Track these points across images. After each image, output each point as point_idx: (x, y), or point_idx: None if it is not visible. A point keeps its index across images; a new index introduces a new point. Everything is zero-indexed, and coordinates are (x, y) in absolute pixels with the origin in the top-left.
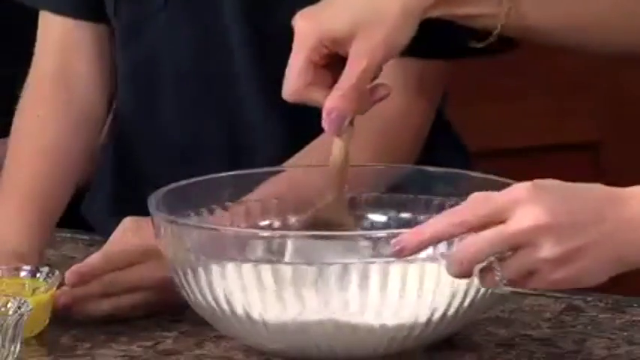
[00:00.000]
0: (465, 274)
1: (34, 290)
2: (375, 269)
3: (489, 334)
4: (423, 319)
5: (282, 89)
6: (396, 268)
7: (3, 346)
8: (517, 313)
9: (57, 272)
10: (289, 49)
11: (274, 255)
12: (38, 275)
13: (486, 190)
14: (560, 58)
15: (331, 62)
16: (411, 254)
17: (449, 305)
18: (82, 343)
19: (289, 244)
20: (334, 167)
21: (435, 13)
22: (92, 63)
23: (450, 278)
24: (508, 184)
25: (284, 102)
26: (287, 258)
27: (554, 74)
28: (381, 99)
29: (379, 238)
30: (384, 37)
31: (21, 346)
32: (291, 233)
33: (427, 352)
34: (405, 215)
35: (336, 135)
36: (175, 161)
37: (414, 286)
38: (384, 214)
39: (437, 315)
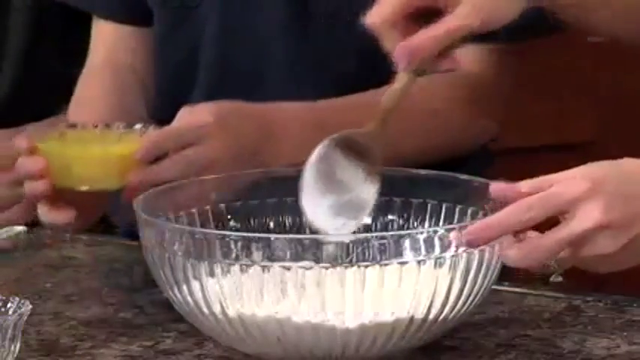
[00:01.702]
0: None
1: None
2: (351, 272)
3: (489, 335)
4: (405, 318)
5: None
6: (372, 270)
7: (3, 346)
8: (517, 313)
9: (151, 127)
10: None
11: (254, 256)
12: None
13: (476, 193)
14: (561, 59)
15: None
16: (481, 245)
17: (430, 305)
18: (81, 343)
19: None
20: (385, 102)
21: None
22: (136, 61)
23: (430, 280)
24: None
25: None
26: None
27: (552, 75)
28: (448, 70)
29: (363, 241)
30: (490, 6)
31: (21, 346)
32: (273, 237)
33: (426, 353)
34: (391, 217)
35: (403, 69)
36: None
37: (391, 287)
38: (370, 216)
39: (418, 316)
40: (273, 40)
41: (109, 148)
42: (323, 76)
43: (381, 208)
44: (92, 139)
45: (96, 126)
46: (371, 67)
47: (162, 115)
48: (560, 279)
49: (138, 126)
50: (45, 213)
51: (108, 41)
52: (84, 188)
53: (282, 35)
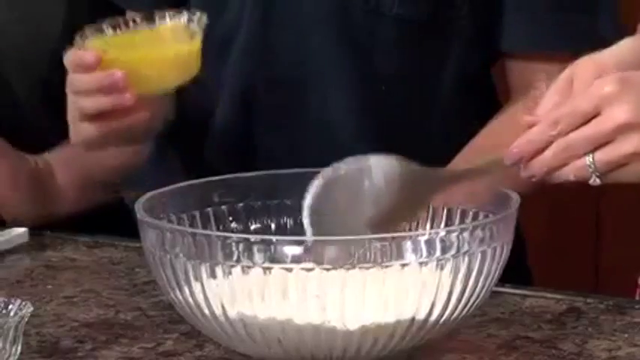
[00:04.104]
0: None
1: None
2: (353, 274)
3: (490, 336)
4: (406, 319)
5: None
6: (374, 272)
7: (4, 348)
8: (518, 314)
9: (204, 17)
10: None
11: (255, 258)
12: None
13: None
14: None
15: None
16: (528, 160)
17: (431, 307)
18: (82, 345)
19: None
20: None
21: None
22: None
23: (432, 281)
24: (505, 195)
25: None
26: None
27: None
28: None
29: (365, 243)
30: None
31: (22, 348)
32: (274, 238)
33: (427, 354)
34: None
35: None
36: (242, 158)
37: (392, 289)
38: None
39: (420, 316)
40: (313, 32)
41: (180, 45)
42: (364, 70)
43: None
44: (148, 39)
45: (134, 21)
46: (412, 62)
47: (190, 111)
48: (598, 182)
49: (184, 17)
50: (123, 121)
51: None
52: (159, 91)
53: (322, 27)
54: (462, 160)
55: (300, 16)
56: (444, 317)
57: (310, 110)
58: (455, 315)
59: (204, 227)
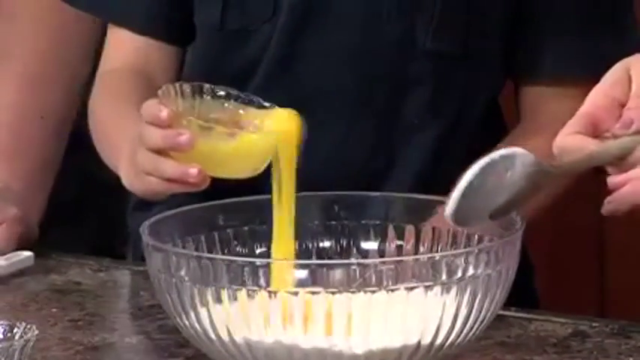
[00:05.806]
0: None
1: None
2: (358, 298)
3: None
4: (412, 343)
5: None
6: (379, 296)
7: None
8: (523, 338)
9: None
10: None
11: (261, 282)
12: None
13: None
14: None
15: None
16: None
17: (437, 331)
18: None
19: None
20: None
21: None
22: (159, 77)
23: (437, 305)
24: (510, 218)
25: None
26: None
27: None
28: None
29: (370, 266)
30: None
31: None
32: (279, 262)
33: None
34: (399, 243)
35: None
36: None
37: (398, 313)
38: (377, 242)
39: (426, 340)
40: (344, 66)
41: (263, 139)
42: (396, 104)
43: (388, 234)
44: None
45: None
46: (445, 95)
47: None
48: None
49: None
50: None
51: (131, 51)
52: (235, 176)
53: (354, 61)
54: None
55: (329, 50)
56: (450, 341)
57: (335, 144)
58: (460, 339)
59: (210, 251)
